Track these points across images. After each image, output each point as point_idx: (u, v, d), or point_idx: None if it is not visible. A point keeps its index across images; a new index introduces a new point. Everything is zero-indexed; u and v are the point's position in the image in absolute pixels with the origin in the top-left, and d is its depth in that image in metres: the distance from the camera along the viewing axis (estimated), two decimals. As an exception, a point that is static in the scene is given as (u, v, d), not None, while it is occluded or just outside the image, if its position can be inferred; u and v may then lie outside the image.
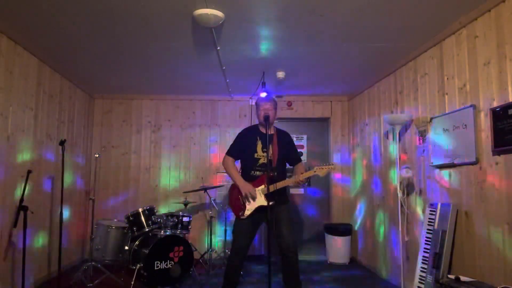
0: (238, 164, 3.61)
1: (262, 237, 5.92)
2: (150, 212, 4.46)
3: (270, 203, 3.14)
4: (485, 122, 2.97)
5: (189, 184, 5.89)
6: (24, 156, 3.97)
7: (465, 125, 3.17)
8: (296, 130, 6.16)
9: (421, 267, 3.42)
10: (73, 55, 4.28)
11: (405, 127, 4.21)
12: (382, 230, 4.77)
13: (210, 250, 5.15)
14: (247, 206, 3.31)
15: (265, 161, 3.36)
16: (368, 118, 5.31)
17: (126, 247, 4.31)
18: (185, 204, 5.09)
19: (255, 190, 3.32)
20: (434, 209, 3.46)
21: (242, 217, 3.31)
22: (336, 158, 6.10)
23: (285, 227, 3.29)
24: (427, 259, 3.38)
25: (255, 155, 3.42)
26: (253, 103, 5.84)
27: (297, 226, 5.96)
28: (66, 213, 4.75)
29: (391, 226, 4.50)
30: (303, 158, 6.09)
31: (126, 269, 4.38)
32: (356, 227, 5.70)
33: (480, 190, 3.02)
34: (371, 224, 5.16)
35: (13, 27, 3.53)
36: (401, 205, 4.07)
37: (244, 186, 3.34)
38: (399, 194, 4.07)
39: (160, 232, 4.28)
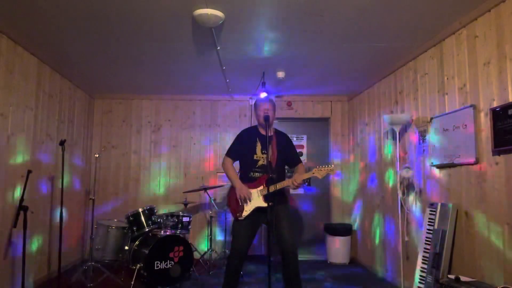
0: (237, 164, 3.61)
1: (262, 237, 5.92)
2: (150, 212, 4.47)
3: (270, 204, 3.13)
4: (485, 122, 2.97)
5: (189, 184, 5.89)
6: (24, 156, 3.97)
7: (465, 125, 3.17)
8: (296, 130, 6.16)
9: (421, 267, 3.42)
10: (73, 55, 4.28)
11: (405, 127, 4.21)
12: (382, 230, 4.77)
13: (210, 250, 5.15)
14: (245, 208, 3.30)
15: (264, 162, 3.35)
16: (368, 118, 5.31)
17: (126, 247, 4.31)
18: (185, 204, 5.09)
19: (251, 193, 3.31)
20: (434, 209, 3.46)
21: (240, 218, 3.31)
22: (336, 158, 6.10)
23: (285, 228, 3.28)
24: (427, 259, 3.38)
25: (254, 157, 3.41)
26: (253, 104, 5.84)
27: (297, 226, 5.96)
28: (66, 213, 4.74)
29: (391, 226, 4.50)
30: (303, 158, 6.08)
31: (126, 269, 4.37)
32: (356, 227, 5.70)
33: (480, 190, 3.02)
34: (371, 224, 5.16)
35: (13, 27, 3.53)
36: (401, 205, 4.07)
37: (240, 189, 3.32)
38: (399, 194, 4.07)
39: (160, 232, 4.27)
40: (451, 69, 3.44)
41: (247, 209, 3.29)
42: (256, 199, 3.30)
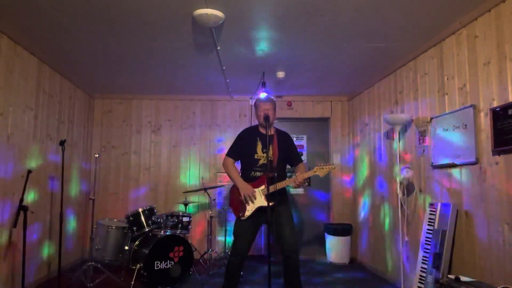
0: (238, 164, 3.61)
1: (262, 237, 5.92)
2: (150, 212, 4.47)
3: (270, 204, 3.13)
4: (485, 122, 2.97)
5: (189, 184, 5.88)
6: (24, 156, 3.97)
7: (465, 125, 3.17)
8: (296, 130, 6.16)
9: (421, 267, 3.42)
10: (73, 55, 4.28)
11: (405, 127, 4.21)
12: (382, 230, 4.77)
13: (210, 250, 5.15)
14: (247, 207, 3.30)
15: (265, 161, 3.35)
16: (368, 118, 5.31)
17: (126, 247, 4.31)
18: (185, 204, 5.09)
19: (255, 192, 3.32)
20: (434, 209, 3.46)
21: (242, 218, 3.31)
22: (336, 158, 6.10)
23: (286, 228, 3.28)
24: (427, 259, 3.38)
25: (255, 156, 3.42)
26: (253, 103, 5.84)
27: (298, 226, 5.95)
28: (66, 213, 4.75)
29: (391, 226, 4.50)
30: (303, 158, 6.08)
31: (126, 269, 4.38)
32: (356, 227, 5.70)
33: (480, 190, 3.02)
34: (371, 224, 5.16)
35: (13, 27, 3.53)
36: (401, 205, 4.07)
37: (244, 188, 3.32)
38: (399, 194, 4.07)
39: (160, 232, 4.27)
40: (451, 69, 3.44)
41: (250, 209, 3.30)
42: (258, 199, 3.30)
